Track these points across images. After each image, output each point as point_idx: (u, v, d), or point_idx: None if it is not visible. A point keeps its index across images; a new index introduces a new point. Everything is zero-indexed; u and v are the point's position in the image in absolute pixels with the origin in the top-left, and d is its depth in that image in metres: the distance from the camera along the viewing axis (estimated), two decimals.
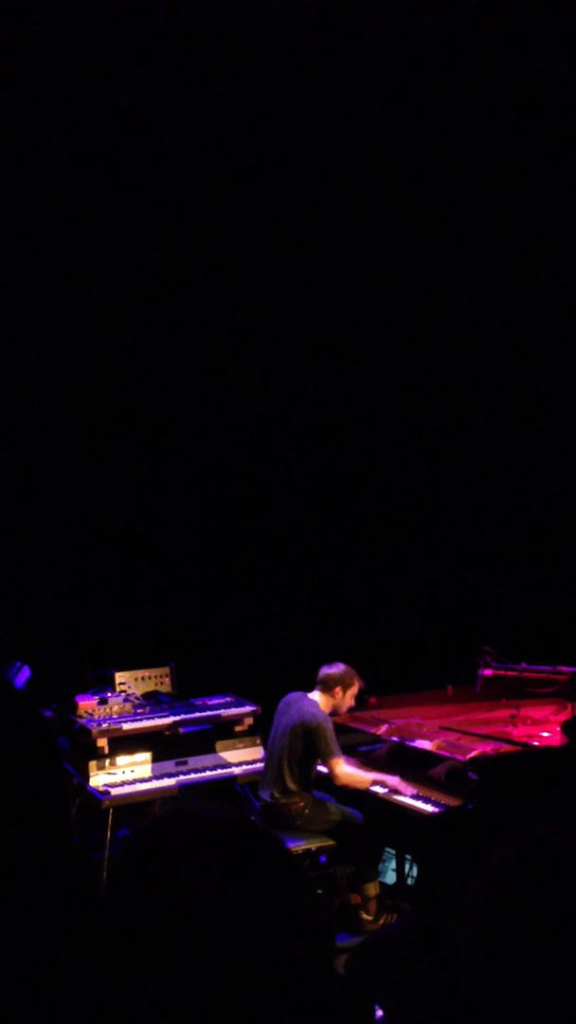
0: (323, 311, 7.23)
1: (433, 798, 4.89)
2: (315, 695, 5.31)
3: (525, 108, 6.59)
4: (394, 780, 5.11)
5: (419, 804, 4.89)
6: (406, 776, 5.11)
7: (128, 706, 5.67)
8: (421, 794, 4.99)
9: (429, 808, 4.83)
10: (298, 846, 4.97)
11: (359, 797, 5.24)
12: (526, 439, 7.23)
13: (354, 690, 5.38)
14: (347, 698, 5.36)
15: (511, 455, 7.27)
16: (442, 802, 4.82)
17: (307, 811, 5.16)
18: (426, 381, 7.35)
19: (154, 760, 5.47)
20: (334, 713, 5.33)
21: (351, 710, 5.64)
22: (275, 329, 7.15)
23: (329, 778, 5.19)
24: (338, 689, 5.30)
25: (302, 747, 5.15)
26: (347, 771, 5.17)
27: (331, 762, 5.13)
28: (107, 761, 5.34)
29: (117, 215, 6.60)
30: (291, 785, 5.16)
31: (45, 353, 6.68)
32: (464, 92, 6.64)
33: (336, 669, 5.34)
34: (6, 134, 6.24)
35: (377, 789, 5.16)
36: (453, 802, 4.78)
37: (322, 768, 5.28)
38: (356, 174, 6.95)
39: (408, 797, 5.00)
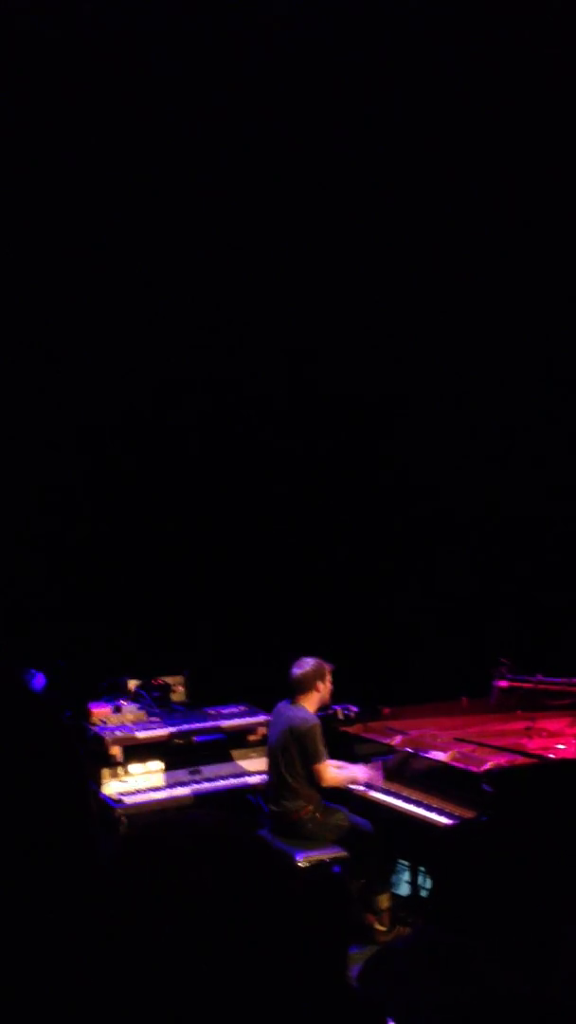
0: (343, 310, 7.23)
1: (447, 809, 4.84)
2: (300, 699, 5.32)
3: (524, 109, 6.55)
4: (362, 773, 5.23)
5: (433, 815, 4.85)
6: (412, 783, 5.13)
7: (142, 714, 5.67)
8: (424, 801, 4.97)
9: (442, 819, 4.78)
10: (310, 856, 4.95)
11: (370, 808, 5.23)
12: (548, 448, 7.18)
13: (329, 676, 5.39)
14: (327, 686, 5.39)
15: (532, 463, 7.22)
16: (456, 813, 4.77)
17: (317, 815, 5.16)
18: (449, 388, 7.33)
19: (167, 769, 5.46)
20: (322, 707, 5.36)
21: (365, 721, 5.63)
22: (290, 334, 7.16)
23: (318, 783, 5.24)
24: (318, 683, 5.33)
25: (295, 753, 5.18)
26: (332, 774, 5.23)
27: (318, 766, 5.17)
28: (120, 769, 5.33)
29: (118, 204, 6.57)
30: (297, 790, 5.17)
31: (59, 367, 6.70)
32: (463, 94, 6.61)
33: (307, 667, 5.34)
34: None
35: (352, 787, 5.26)
36: (458, 809, 4.75)
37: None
38: (355, 173, 6.92)
39: (400, 800, 5.03)
